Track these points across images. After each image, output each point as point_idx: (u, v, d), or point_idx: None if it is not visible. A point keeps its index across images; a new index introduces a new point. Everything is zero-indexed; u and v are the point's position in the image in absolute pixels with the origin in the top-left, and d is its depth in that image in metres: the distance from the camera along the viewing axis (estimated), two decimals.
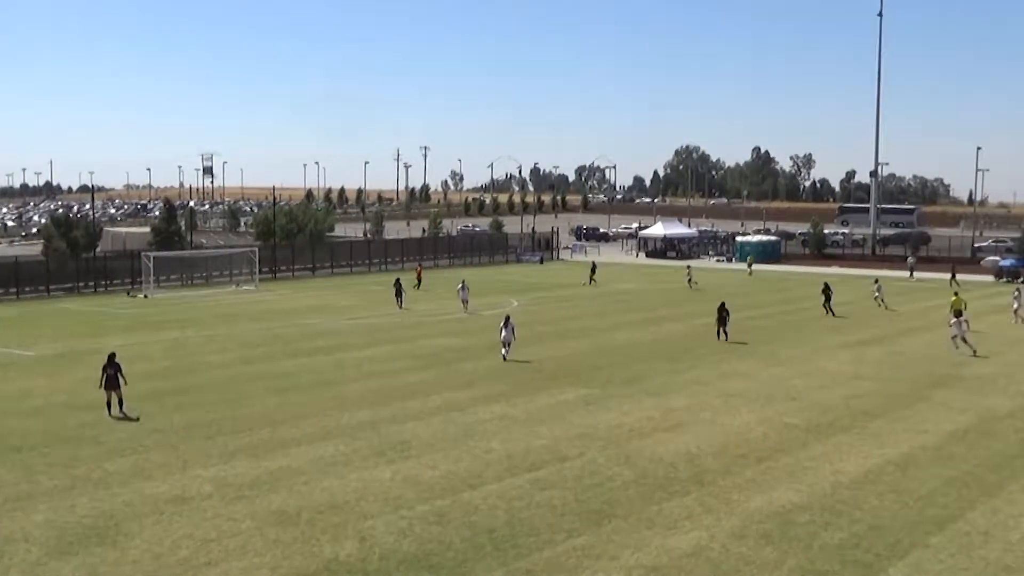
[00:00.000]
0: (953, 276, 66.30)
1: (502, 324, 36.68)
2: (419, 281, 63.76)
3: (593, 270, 69.68)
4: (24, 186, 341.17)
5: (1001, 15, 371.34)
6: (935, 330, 44.54)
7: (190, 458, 22.59)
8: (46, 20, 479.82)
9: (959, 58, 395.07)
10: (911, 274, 73.24)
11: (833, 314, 49.63)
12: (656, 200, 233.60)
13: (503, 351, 36.01)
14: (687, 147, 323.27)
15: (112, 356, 27.37)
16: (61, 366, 34.11)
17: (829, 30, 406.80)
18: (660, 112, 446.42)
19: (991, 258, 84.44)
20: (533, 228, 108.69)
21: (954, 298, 43.76)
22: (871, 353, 38.09)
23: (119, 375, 26.97)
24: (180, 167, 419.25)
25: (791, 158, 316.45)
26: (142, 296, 59.39)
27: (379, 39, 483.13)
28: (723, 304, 41.92)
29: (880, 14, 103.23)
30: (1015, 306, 46.50)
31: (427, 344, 39.70)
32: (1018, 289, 47.84)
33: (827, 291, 51.23)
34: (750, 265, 79.62)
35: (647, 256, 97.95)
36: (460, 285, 52.92)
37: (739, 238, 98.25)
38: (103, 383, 26.83)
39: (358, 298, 57.62)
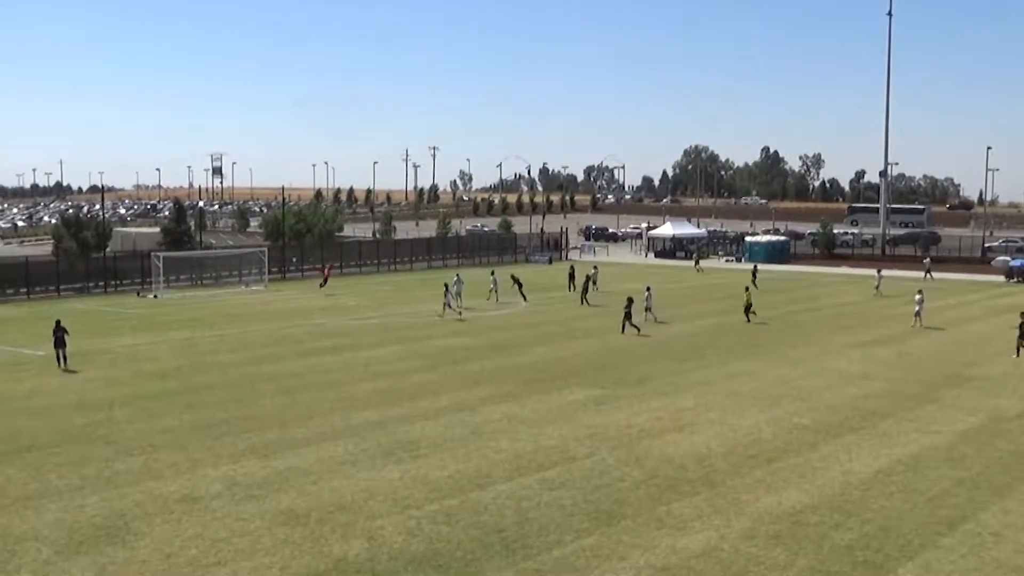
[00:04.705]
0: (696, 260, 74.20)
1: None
2: (325, 281, 64.21)
3: (587, 280, 57.58)
4: (34, 186, 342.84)
5: (1011, 14, 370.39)
6: (945, 330, 44.44)
7: (199, 458, 22.63)
8: (55, 20, 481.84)
9: (969, 57, 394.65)
10: (927, 275, 72.33)
11: (588, 304, 53.48)
12: (666, 200, 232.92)
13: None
14: (696, 147, 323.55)
15: (59, 321, 34.53)
16: (71, 366, 34.15)
17: (838, 29, 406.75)
18: (669, 112, 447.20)
19: (1001, 258, 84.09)
20: (542, 228, 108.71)
21: (746, 293, 48.97)
22: (880, 353, 37.98)
23: (65, 336, 33.88)
24: (189, 167, 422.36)
25: (800, 158, 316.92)
26: (152, 296, 59.52)
27: (387, 38, 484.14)
28: (630, 299, 43.85)
29: (890, 13, 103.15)
30: (916, 309, 45.80)
31: (435, 344, 39.70)
32: (920, 292, 47.19)
33: (582, 278, 57.14)
34: (696, 262, 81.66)
35: (656, 256, 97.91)
36: (455, 279, 53.05)
37: (748, 238, 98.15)
38: (54, 343, 33.80)
39: (367, 298, 57.63)
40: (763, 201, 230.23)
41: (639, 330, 42.68)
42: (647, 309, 46.72)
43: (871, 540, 17.44)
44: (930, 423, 26.37)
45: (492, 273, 59.33)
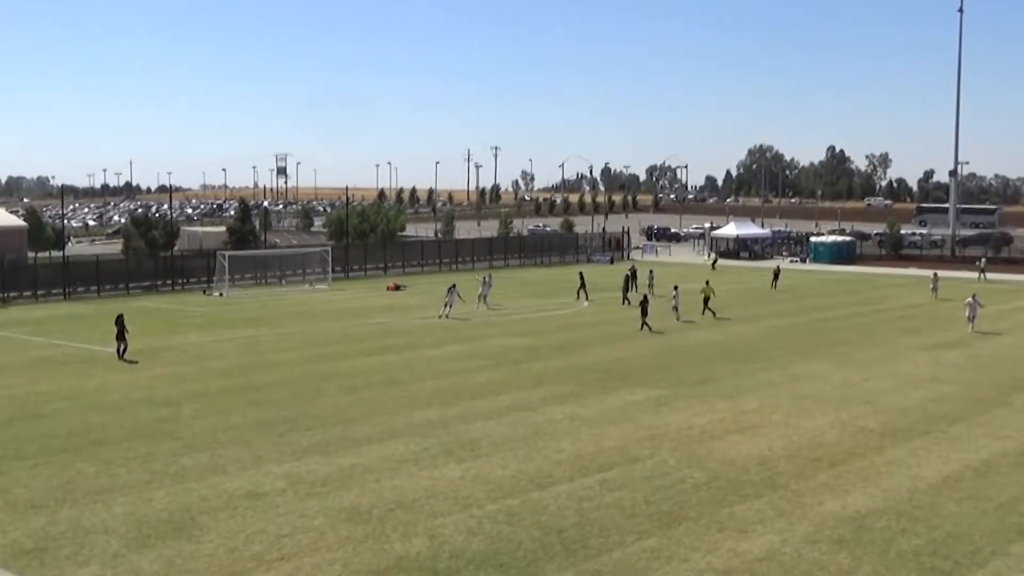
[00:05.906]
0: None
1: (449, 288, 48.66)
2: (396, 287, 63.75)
3: (628, 279, 57.18)
4: (105, 186, 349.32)
5: None
6: (1015, 333, 43.46)
7: (263, 454, 22.92)
8: (126, 24, 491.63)
9: None
10: (981, 275, 71.01)
11: (629, 303, 52.45)
12: (728, 200, 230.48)
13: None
14: (760, 146, 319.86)
15: (120, 316, 36.58)
16: (139, 362, 34.86)
17: (907, 25, 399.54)
18: (732, 111, 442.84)
19: None
20: (603, 228, 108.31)
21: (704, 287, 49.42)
22: (949, 356, 37.24)
23: (124, 331, 36.03)
24: (255, 168, 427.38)
25: (867, 157, 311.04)
26: (217, 294, 60.43)
27: (448, 40, 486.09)
28: (646, 296, 46.36)
29: (960, 9, 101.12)
30: (967, 312, 44.49)
31: (495, 344, 39.78)
32: (973, 296, 45.73)
33: (643, 278, 59.15)
34: (714, 262, 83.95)
35: (719, 256, 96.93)
36: (483, 279, 54.43)
37: (813, 238, 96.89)
38: (115, 335, 35.85)
39: (428, 297, 57.92)
40: (887, 202, 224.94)
41: (651, 329, 43.08)
42: (673, 308, 47.18)
43: (939, 547, 17.11)
44: (1001, 428, 25.80)
45: (488, 276, 58.04)
